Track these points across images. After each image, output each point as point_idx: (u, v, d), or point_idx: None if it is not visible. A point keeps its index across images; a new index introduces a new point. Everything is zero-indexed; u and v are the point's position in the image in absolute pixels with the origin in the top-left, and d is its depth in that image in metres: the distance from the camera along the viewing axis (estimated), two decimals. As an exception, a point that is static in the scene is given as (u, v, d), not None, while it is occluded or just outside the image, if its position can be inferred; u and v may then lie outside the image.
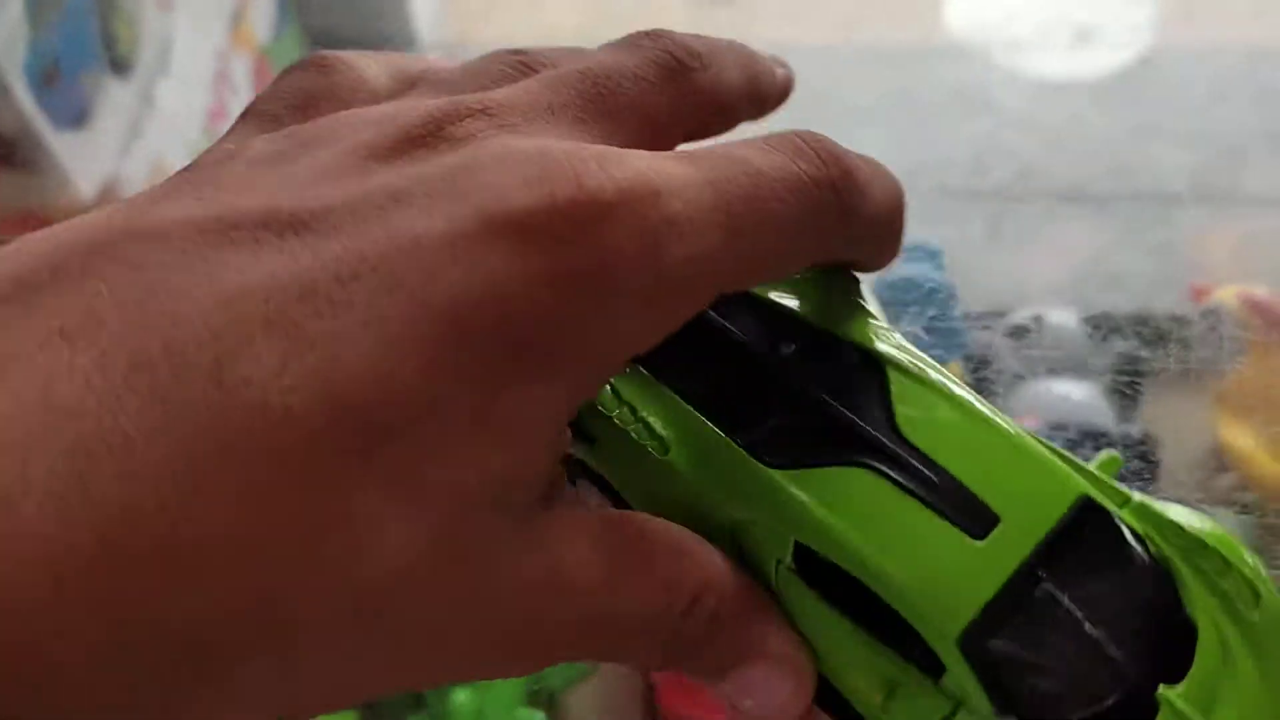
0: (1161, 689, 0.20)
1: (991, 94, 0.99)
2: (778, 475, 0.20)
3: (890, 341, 0.23)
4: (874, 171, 0.20)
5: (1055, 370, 0.46)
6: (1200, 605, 0.21)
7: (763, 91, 0.25)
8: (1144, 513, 0.22)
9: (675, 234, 0.16)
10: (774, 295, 0.24)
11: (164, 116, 0.80)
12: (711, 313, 0.23)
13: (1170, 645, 0.21)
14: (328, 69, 0.20)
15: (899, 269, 0.50)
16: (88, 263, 0.14)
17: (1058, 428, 0.43)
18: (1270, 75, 0.98)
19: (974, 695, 0.20)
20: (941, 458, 0.20)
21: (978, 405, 0.22)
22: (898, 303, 0.48)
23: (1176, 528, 0.22)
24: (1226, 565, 0.21)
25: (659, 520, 0.19)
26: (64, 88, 0.68)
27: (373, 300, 0.14)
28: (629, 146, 0.18)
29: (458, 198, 0.15)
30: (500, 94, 0.18)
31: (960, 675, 0.20)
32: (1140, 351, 0.47)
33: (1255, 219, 0.90)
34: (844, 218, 0.19)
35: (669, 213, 0.16)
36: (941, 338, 0.46)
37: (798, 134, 0.19)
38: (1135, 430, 0.45)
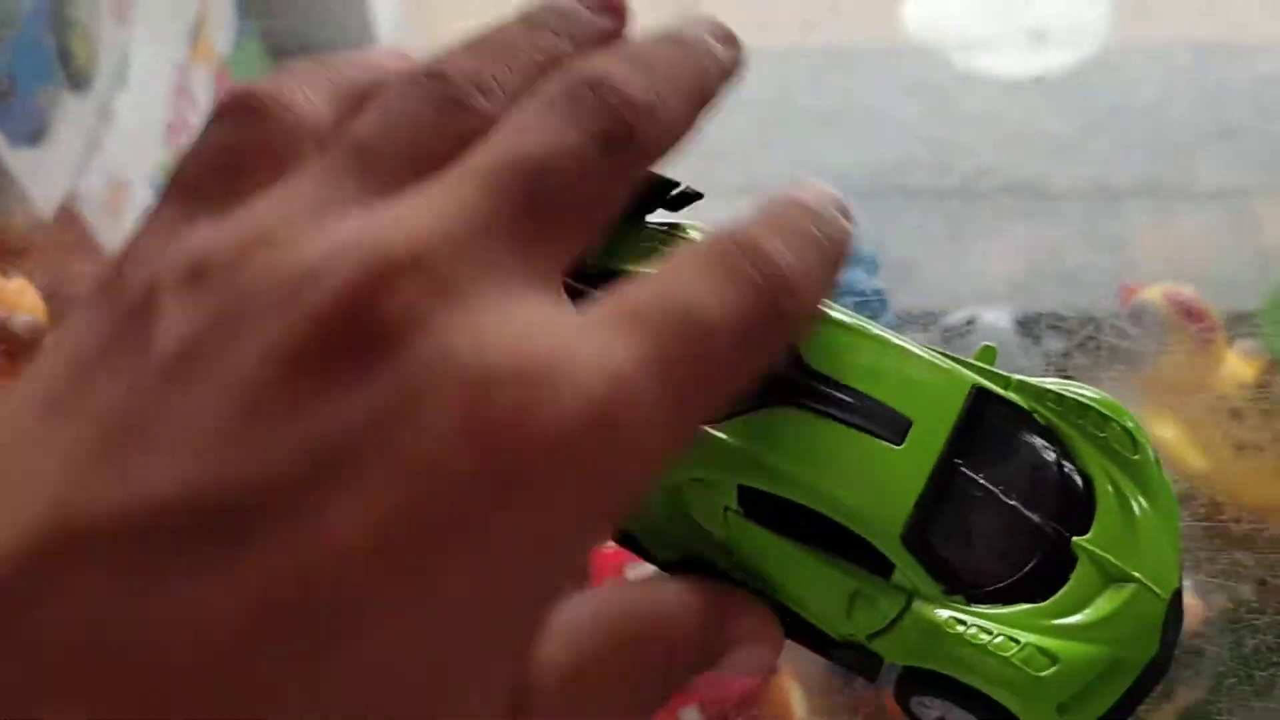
0: (1075, 540, 0.23)
1: (949, 94, 1.01)
2: (710, 428, 0.22)
3: None
4: (803, 255, 0.18)
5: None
6: (1090, 459, 0.24)
7: (715, 98, 0.22)
8: (1025, 389, 0.25)
9: (631, 451, 0.15)
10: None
11: (123, 131, 0.80)
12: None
13: (1074, 500, 0.23)
14: (257, 116, 0.18)
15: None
16: (23, 593, 0.13)
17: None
18: (1220, 72, 1.00)
19: (923, 583, 0.22)
20: (850, 380, 0.23)
21: (872, 328, 0.24)
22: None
23: (1055, 395, 0.24)
24: (1104, 419, 0.24)
25: (612, 605, 0.19)
26: (19, 104, 0.68)
27: (313, 642, 0.13)
28: (567, 255, 0.17)
29: (390, 459, 0.13)
30: (432, 229, 0.15)
31: (908, 568, 0.22)
32: (1070, 350, 0.48)
33: (1205, 214, 0.92)
34: (784, 332, 0.18)
35: (625, 438, 0.14)
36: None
37: (734, 239, 0.18)
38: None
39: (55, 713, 0.12)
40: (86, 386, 0.15)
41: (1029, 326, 0.50)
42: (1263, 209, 0.91)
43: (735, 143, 1.01)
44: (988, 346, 0.25)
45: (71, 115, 0.74)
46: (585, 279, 0.25)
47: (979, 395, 0.23)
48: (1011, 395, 0.24)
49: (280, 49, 1.05)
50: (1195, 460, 0.46)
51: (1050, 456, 0.23)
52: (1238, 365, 0.49)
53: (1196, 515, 0.44)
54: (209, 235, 0.16)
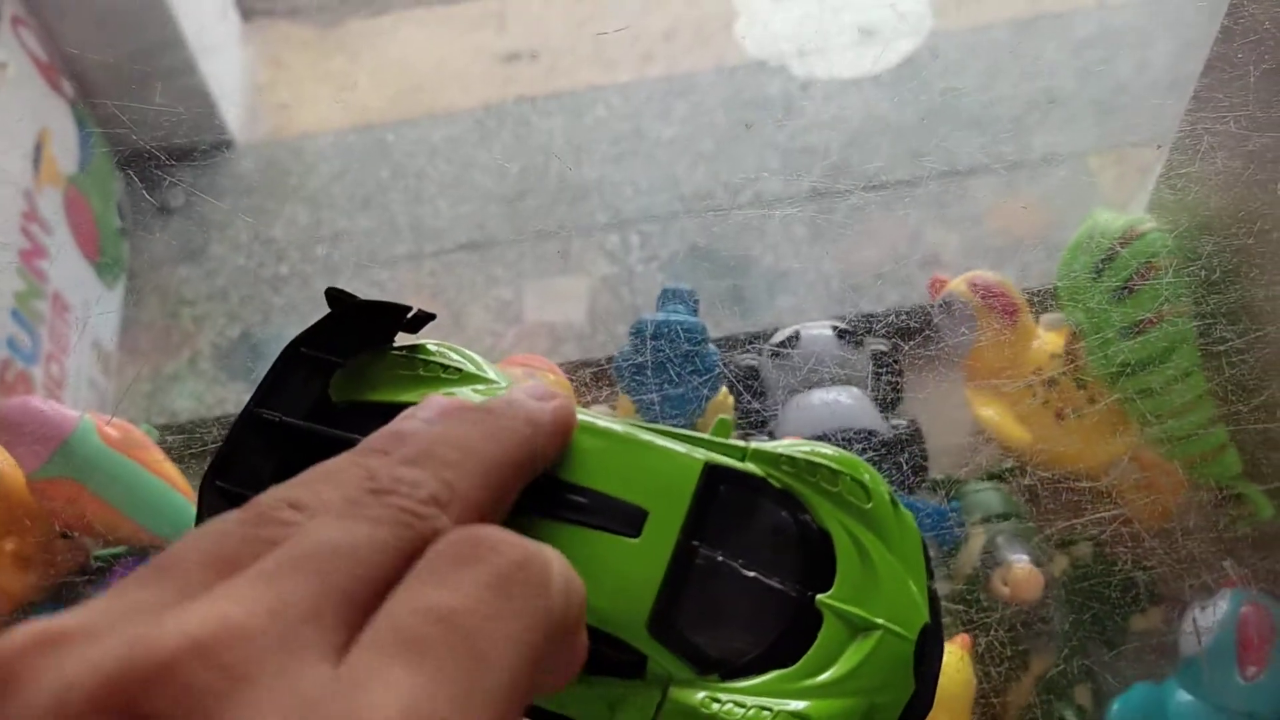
0: (818, 598, 0.23)
1: (792, 102, 1.04)
2: None
3: None
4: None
5: (821, 381, 0.49)
6: (827, 515, 0.24)
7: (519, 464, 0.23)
8: (759, 456, 0.25)
9: None
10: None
11: (-27, 267, 0.79)
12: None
13: (814, 558, 0.24)
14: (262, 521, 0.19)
15: (660, 316, 0.52)
16: None
17: (829, 435, 0.46)
18: (1036, 43, 1.04)
19: (675, 668, 0.22)
20: (585, 480, 0.23)
21: (605, 424, 0.24)
22: (659, 346, 0.51)
23: (787, 459, 0.25)
24: (834, 474, 0.25)
25: None
26: None
27: None
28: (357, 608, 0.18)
29: None
30: (220, 619, 0.17)
31: (659, 656, 0.22)
32: (892, 349, 0.50)
33: (1045, 180, 0.95)
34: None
35: None
36: (701, 374, 0.49)
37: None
38: (903, 423, 0.48)
39: None
40: None
41: (849, 334, 0.52)
42: (1096, 166, 0.95)
43: (598, 180, 1.03)
44: (722, 420, 0.25)
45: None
46: (332, 415, 0.26)
47: (711, 473, 0.24)
48: (747, 465, 0.25)
49: (131, 163, 1.04)
50: (1019, 434, 0.48)
51: (787, 519, 0.24)
52: (1046, 338, 0.51)
53: (1026, 486, 0.46)
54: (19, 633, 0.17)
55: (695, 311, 0.53)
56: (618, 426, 0.24)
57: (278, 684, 0.16)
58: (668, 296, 0.54)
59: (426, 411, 0.23)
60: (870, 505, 0.25)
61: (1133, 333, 0.47)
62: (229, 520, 0.19)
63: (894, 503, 0.25)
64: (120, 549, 0.46)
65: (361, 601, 0.18)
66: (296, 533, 0.19)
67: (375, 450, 0.22)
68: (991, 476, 0.47)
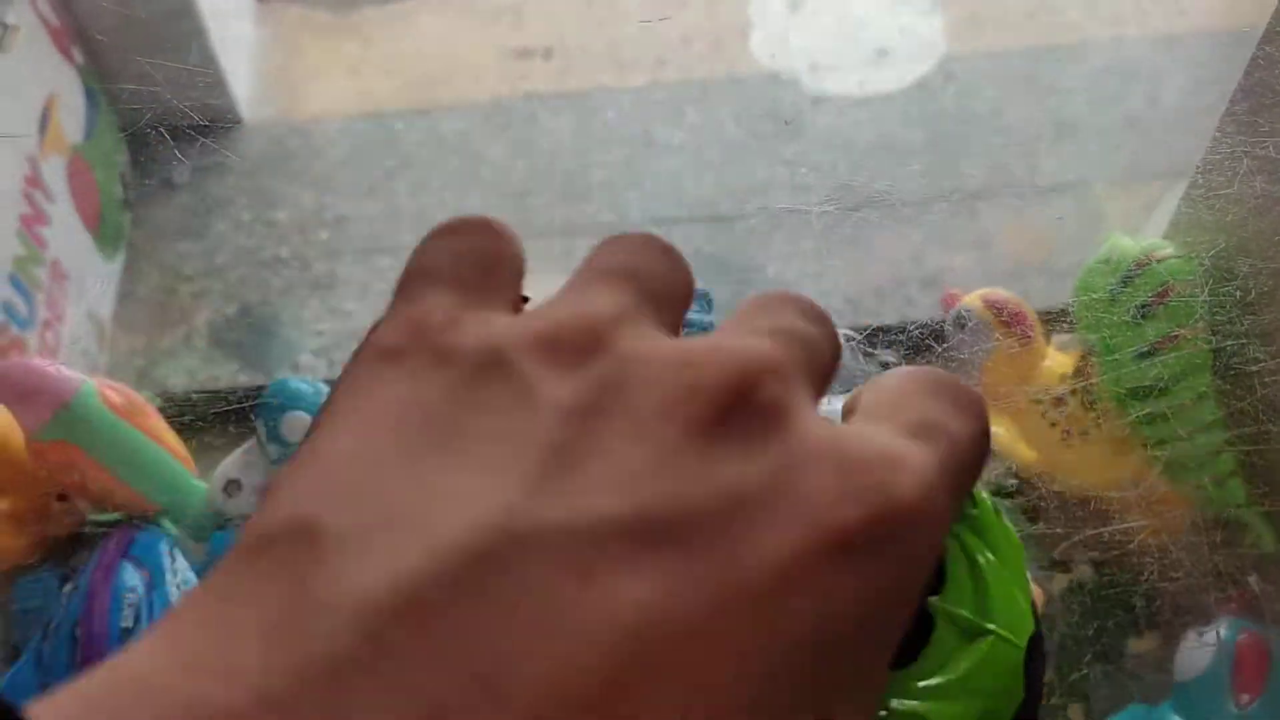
0: (930, 600, 0.23)
1: (803, 116, 1.04)
2: None
3: None
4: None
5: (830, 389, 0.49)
6: None
7: None
8: None
9: (939, 530, 0.18)
10: None
11: (-27, 229, 0.78)
12: None
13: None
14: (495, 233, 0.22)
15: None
16: (478, 577, 0.14)
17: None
18: (1051, 72, 1.05)
19: None
20: None
21: None
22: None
23: None
24: None
25: None
26: None
27: (742, 636, 0.15)
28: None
29: (791, 508, 0.16)
30: (773, 348, 0.18)
31: None
32: (903, 361, 0.50)
33: (1052, 207, 0.96)
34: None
35: (942, 514, 0.18)
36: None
37: (957, 387, 0.21)
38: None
39: (517, 685, 0.13)
40: (471, 426, 0.16)
41: (859, 343, 0.52)
42: (1105, 196, 0.96)
43: (605, 181, 1.03)
44: None
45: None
46: None
47: None
48: None
49: (136, 133, 1.03)
50: (1025, 452, 0.48)
51: None
52: (1058, 359, 0.51)
53: (1029, 503, 0.46)
54: (550, 314, 0.18)
55: (710, 311, 0.53)
56: None
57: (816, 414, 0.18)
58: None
59: None
60: (977, 512, 0.25)
61: (1147, 355, 0.47)
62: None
63: (998, 512, 0.25)
64: (116, 515, 0.45)
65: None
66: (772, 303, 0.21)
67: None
68: (995, 493, 0.47)
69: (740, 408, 0.17)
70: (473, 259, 0.21)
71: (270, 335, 0.97)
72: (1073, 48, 1.08)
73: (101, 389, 0.44)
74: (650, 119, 1.05)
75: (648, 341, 0.18)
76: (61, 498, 0.44)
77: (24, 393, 0.41)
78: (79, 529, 0.44)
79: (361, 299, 0.98)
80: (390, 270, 0.97)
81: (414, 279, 0.20)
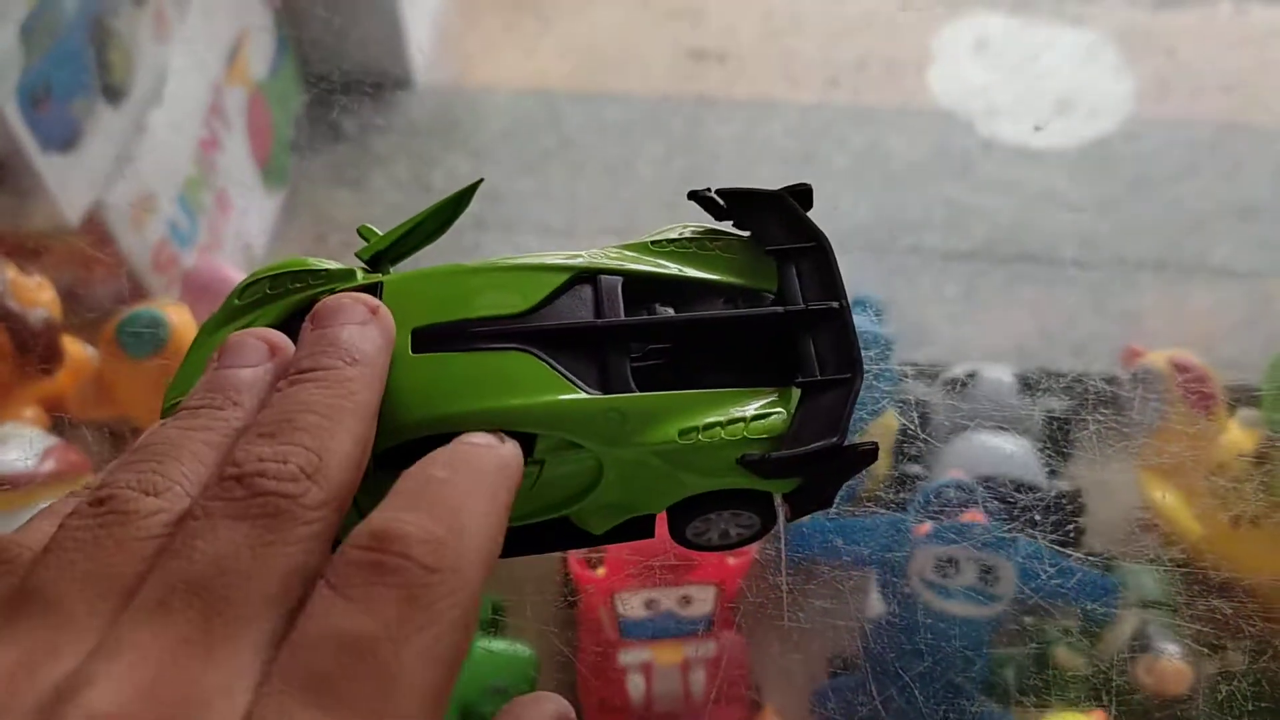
0: None
1: (970, 158, 1.01)
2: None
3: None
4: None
5: (990, 424, 0.47)
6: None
7: (369, 406, 0.24)
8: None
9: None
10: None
11: (154, 145, 0.81)
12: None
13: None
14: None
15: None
16: None
17: (989, 479, 0.44)
18: (1239, 151, 1.00)
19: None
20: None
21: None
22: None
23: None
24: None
25: None
26: (54, 111, 0.70)
27: None
28: (267, 621, 0.19)
29: None
30: (117, 681, 0.17)
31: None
32: (1071, 409, 0.48)
33: (1218, 292, 0.92)
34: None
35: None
36: (878, 386, 0.48)
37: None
38: (1064, 485, 0.46)
39: None
40: None
41: (1030, 383, 0.50)
42: (1276, 290, 0.91)
43: (757, 194, 1.02)
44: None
45: (105, 126, 0.75)
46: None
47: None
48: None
49: (316, 79, 1.07)
50: (1191, 526, 0.46)
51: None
52: (1237, 435, 0.48)
53: (1191, 583, 0.44)
54: None
55: (879, 322, 0.52)
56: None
57: None
58: (856, 304, 0.52)
59: (241, 356, 0.23)
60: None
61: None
62: (87, 530, 0.19)
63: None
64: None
65: (267, 621, 0.18)
66: (177, 543, 0.18)
67: (214, 408, 0.22)
68: (1155, 562, 0.45)
69: None
70: None
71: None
72: (1266, 131, 1.03)
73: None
74: (815, 138, 1.03)
75: None
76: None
77: (210, 294, 0.42)
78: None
79: (500, 272, 0.99)
80: (535, 248, 0.97)
81: None
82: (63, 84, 0.70)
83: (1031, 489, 0.45)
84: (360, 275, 0.27)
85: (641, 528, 0.26)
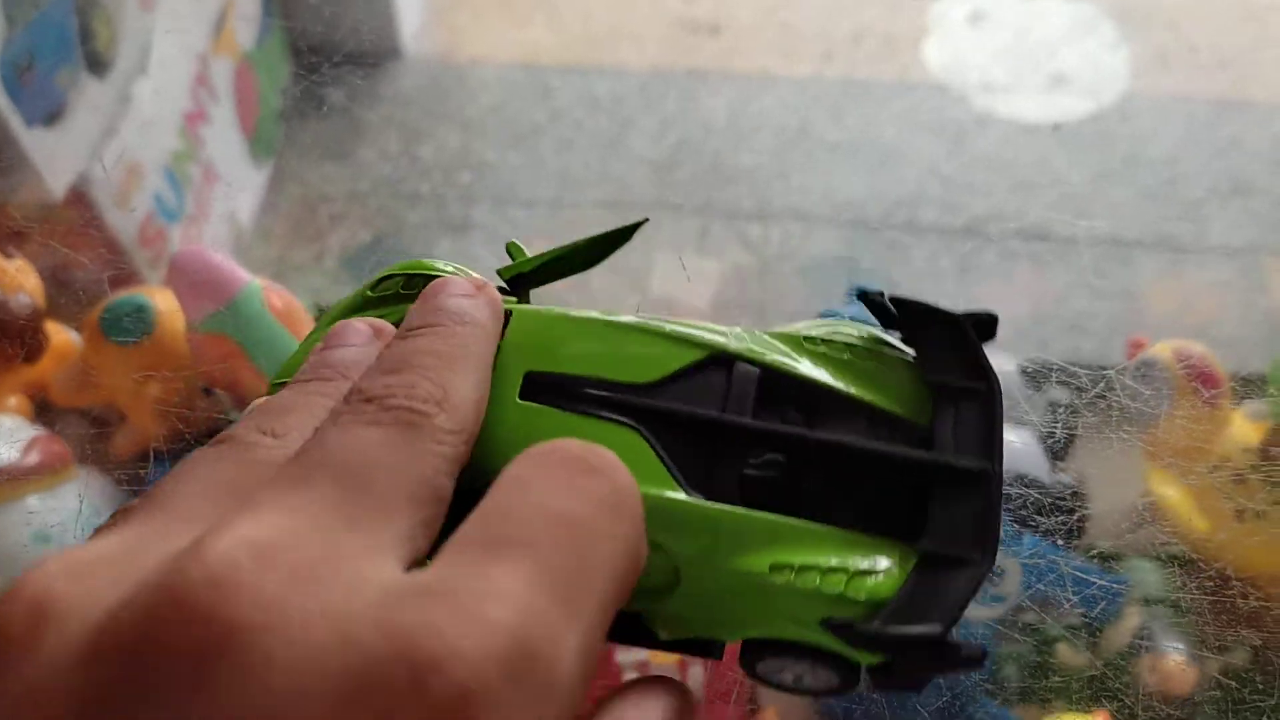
0: None
1: (965, 134, 1.01)
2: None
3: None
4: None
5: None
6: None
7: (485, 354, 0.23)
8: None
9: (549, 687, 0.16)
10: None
11: (140, 117, 0.80)
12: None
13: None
14: None
15: (846, 309, 0.51)
16: None
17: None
18: (1236, 127, 1.00)
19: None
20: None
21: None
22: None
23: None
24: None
25: None
26: (38, 83, 0.68)
27: None
28: (404, 525, 0.18)
29: None
30: (270, 528, 0.17)
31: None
32: (1074, 401, 0.47)
33: (1214, 270, 0.91)
34: None
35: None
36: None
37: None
38: (1067, 479, 0.46)
39: None
40: None
41: (1034, 376, 0.50)
42: (1272, 268, 0.91)
43: (753, 167, 1.01)
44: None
45: (89, 98, 0.74)
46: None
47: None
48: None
49: (302, 50, 1.05)
50: (1197, 522, 0.46)
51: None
52: (1244, 428, 0.48)
53: (1196, 580, 0.44)
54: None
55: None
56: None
57: (348, 584, 0.15)
58: (860, 294, 0.51)
59: (346, 338, 0.23)
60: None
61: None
62: (208, 454, 0.19)
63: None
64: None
65: (406, 519, 0.17)
66: (311, 443, 0.18)
67: (322, 379, 0.21)
68: (1158, 558, 0.45)
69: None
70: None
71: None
72: (1264, 107, 1.02)
73: (265, 290, 0.44)
74: (809, 112, 1.02)
75: None
76: (207, 391, 0.44)
77: (195, 282, 0.41)
78: (216, 426, 0.44)
79: (491, 245, 0.98)
80: (524, 221, 0.96)
81: None
82: (46, 55, 0.69)
83: (1035, 483, 0.44)
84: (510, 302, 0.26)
85: (709, 647, 0.24)
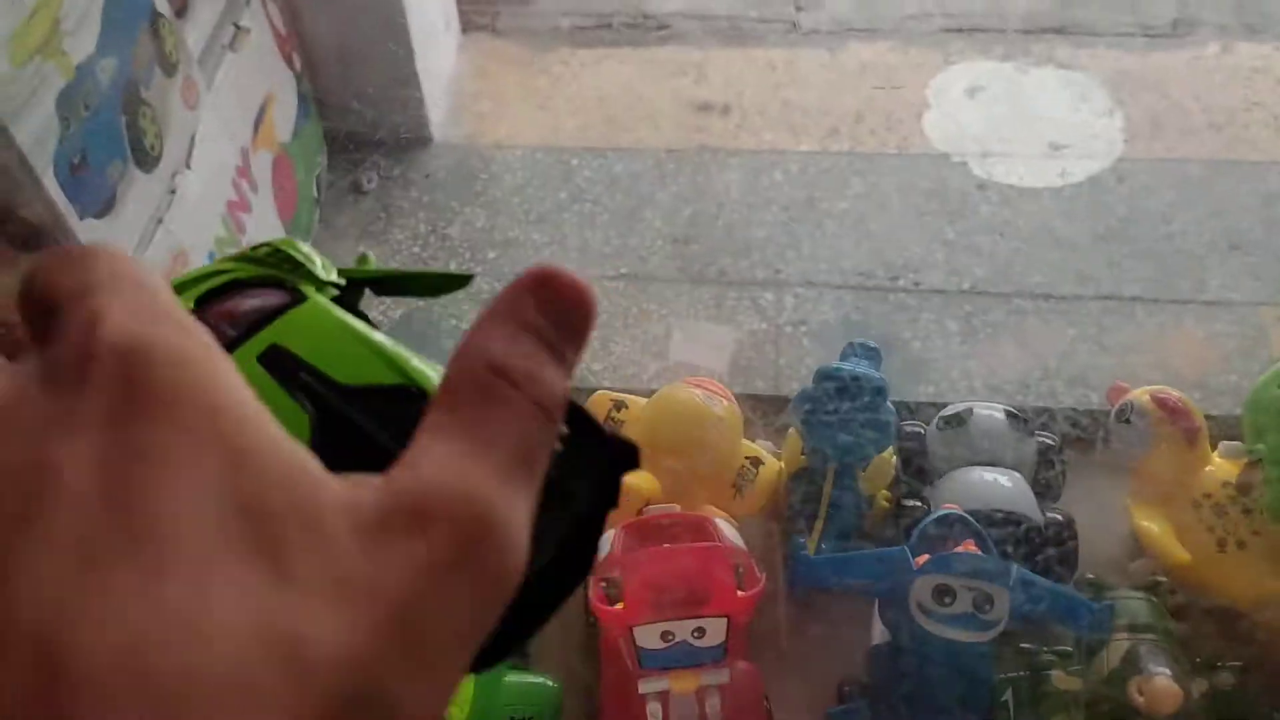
0: None
1: (966, 200, 1.05)
2: None
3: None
4: None
5: (984, 459, 0.50)
6: None
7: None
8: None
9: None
10: None
11: (186, 207, 0.85)
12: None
13: None
14: None
15: (846, 367, 0.54)
16: None
17: (983, 513, 0.46)
18: (1229, 187, 1.04)
19: None
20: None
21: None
22: (845, 396, 0.52)
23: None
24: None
25: None
26: (91, 178, 0.74)
27: None
28: None
29: None
30: None
31: None
32: (1061, 445, 0.50)
33: (1211, 323, 0.94)
34: None
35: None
36: (878, 429, 0.50)
37: None
38: (1058, 517, 0.49)
39: None
40: None
41: (1021, 420, 0.53)
42: (1269, 320, 0.93)
43: (764, 238, 1.06)
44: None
45: (138, 191, 0.79)
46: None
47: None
48: None
49: (337, 140, 1.11)
50: (1179, 553, 0.48)
51: None
52: (1221, 464, 0.51)
53: (1176, 604, 0.46)
54: None
55: (878, 367, 0.55)
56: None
57: None
58: (853, 348, 0.55)
59: None
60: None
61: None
62: None
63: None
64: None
65: None
66: None
67: None
68: (1144, 588, 0.47)
69: None
70: None
71: (427, 340, 1.02)
72: (1255, 166, 1.06)
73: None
74: (816, 184, 1.07)
75: None
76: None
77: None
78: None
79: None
80: (548, 296, 1.00)
81: None
82: (98, 152, 0.74)
83: (1025, 520, 0.47)
84: (312, 291, 0.29)
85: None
